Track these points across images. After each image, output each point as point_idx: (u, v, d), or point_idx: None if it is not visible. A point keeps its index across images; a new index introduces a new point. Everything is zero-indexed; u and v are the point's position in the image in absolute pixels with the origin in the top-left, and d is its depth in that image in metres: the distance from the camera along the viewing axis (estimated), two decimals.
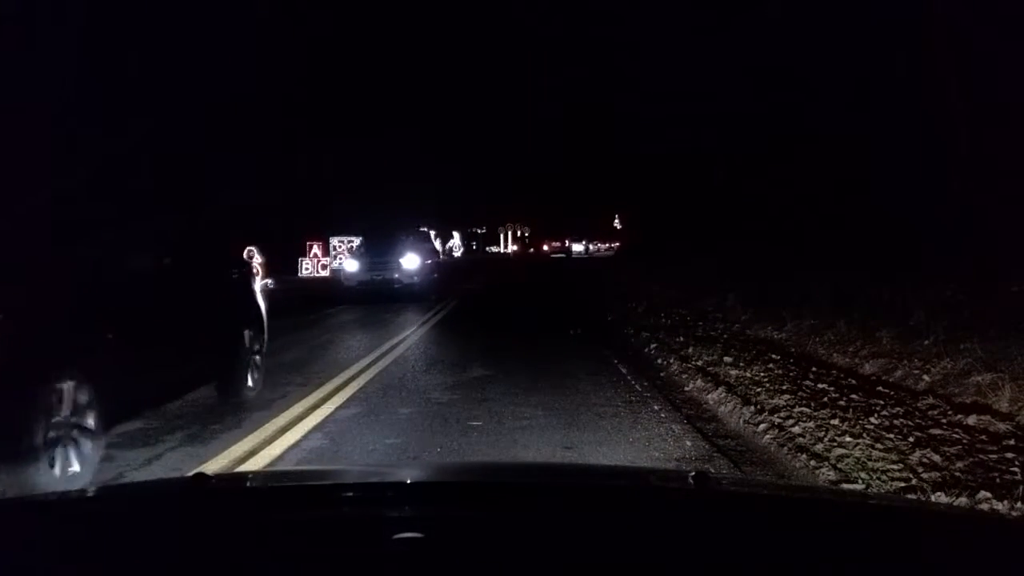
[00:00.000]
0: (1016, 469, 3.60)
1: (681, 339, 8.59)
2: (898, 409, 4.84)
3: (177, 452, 4.56)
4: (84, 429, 3.77)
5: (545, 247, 69.79)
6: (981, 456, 3.85)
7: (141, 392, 4.56)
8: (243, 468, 4.19)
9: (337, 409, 5.63)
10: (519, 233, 76.43)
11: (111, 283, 4.28)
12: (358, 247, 18.99)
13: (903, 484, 3.61)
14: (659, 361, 7.68)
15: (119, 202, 4.94)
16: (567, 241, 73.35)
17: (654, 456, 4.33)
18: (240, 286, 6.29)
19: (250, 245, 21.01)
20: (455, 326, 11.77)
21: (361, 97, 34.30)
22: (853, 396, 5.26)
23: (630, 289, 17.19)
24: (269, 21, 24.29)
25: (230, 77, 21.37)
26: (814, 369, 6.31)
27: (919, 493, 3.45)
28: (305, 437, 4.85)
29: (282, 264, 24.33)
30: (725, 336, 8.61)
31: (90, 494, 1.97)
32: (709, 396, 5.89)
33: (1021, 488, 3.33)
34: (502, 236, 75.95)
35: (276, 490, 1.51)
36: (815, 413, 4.92)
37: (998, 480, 3.50)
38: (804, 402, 5.25)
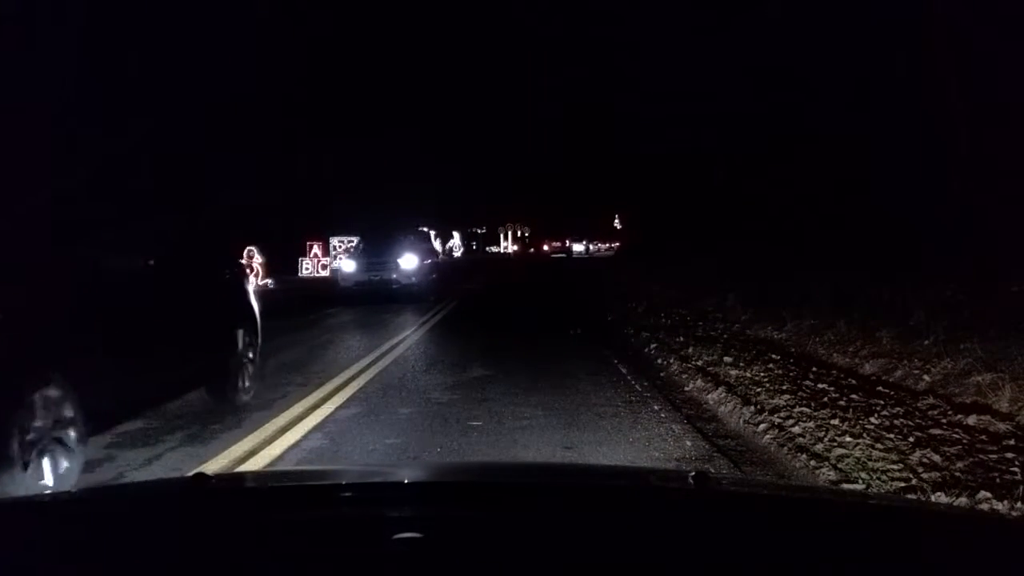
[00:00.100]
0: (1016, 469, 3.60)
1: (681, 339, 8.59)
2: (898, 409, 4.84)
3: (177, 452, 4.56)
4: (65, 436, 3.62)
5: (545, 247, 69.80)
6: (981, 456, 3.85)
7: (126, 397, 4.39)
8: (243, 468, 4.19)
9: (337, 409, 5.63)
10: (519, 233, 76.45)
11: (94, 284, 4.14)
12: (355, 247, 18.82)
13: (903, 484, 3.61)
14: (659, 361, 7.68)
15: (103, 202, 4.64)
16: (567, 241, 73.34)
17: (654, 456, 4.33)
18: (233, 286, 6.16)
19: (250, 245, 21.05)
20: (455, 326, 11.77)
21: (361, 97, 34.35)
22: (853, 396, 5.26)
23: (630, 289, 17.19)
24: (269, 21, 24.30)
25: (230, 77, 21.38)
26: (814, 369, 6.31)
27: (919, 493, 3.45)
28: (305, 437, 4.85)
29: (282, 264, 24.34)
30: (725, 336, 8.61)
31: (90, 494, 1.97)
32: (709, 396, 5.89)
33: (1021, 488, 3.32)
34: (502, 236, 75.94)
35: (276, 490, 1.51)
36: (815, 413, 4.92)
37: (998, 480, 3.50)
38: (804, 402, 5.24)
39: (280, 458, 4.39)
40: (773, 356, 7.00)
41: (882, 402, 5.04)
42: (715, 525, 1.16)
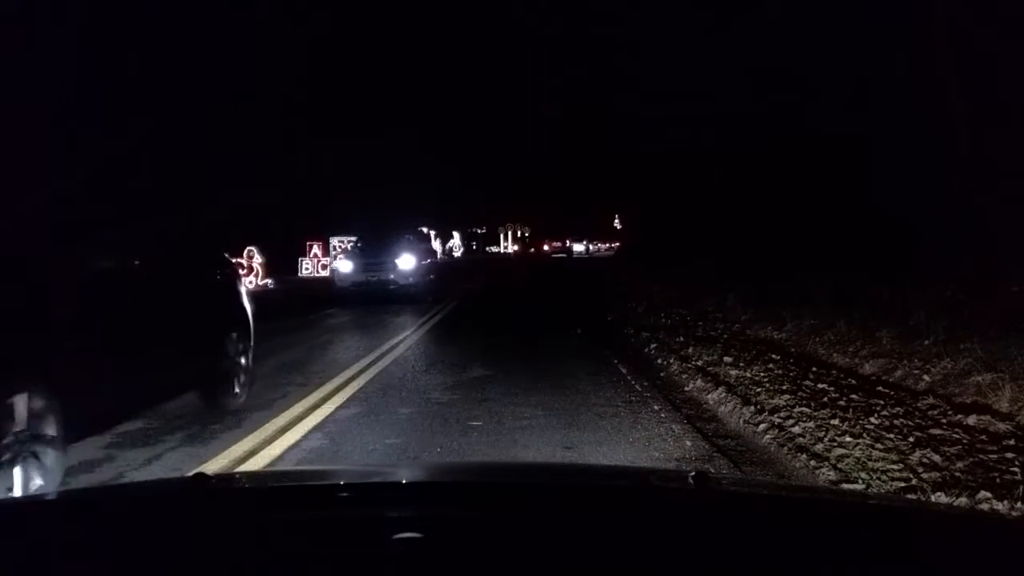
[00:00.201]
0: (1016, 469, 3.60)
1: (681, 339, 8.59)
2: (898, 409, 4.84)
3: (177, 452, 4.56)
4: (42, 445, 3.46)
5: (546, 247, 69.84)
6: (981, 456, 3.85)
7: (110, 404, 4.20)
8: (243, 468, 4.19)
9: (337, 409, 5.63)
10: (519, 233, 76.48)
11: (74, 285, 3.95)
12: (352, 247, 18.62)
13: (903, 484, 3.61)
14: (659, 361, 7.68)
15: (100, 201, 4.45)
16: (568, 241, 73.38)
17: (654, 456, 4.33)
18: (224, 288, 5.96)
19: (250, 245, 21.06)
20: (455, 326, 11.77)
21: (361, 97, 34.35)
22: (853, 396, 5.26)
23: (630, 289, 17.19)
24: (269, 21, 24.31)
25: (230, 77, 21.37)
26: (814, 369, 6.31)
27: (919, 493, 3.45)
28: (305, 437, 4.85)
29: (282, 264, 24.34)
30: (725, 336, 8.61)
31: (90, 494, 1.97)
32: (709, 396, 5.89)
33: (1021, 488, 3.32)
34: (502, 236, 75.97)
35: (276, 490, 1.51)
36: (815, 413, 4.92)
37: (998, 480, 3.50)
38: (804, 402, 5.25)
39: (280, 458, 4.39)
40: (773, 356, 7.00)
41: (882, 402, 5.04)
42: (715, 525, 1.16)
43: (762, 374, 6.30)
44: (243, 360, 5.87)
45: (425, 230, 22.81)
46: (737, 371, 6.48)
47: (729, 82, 17.96)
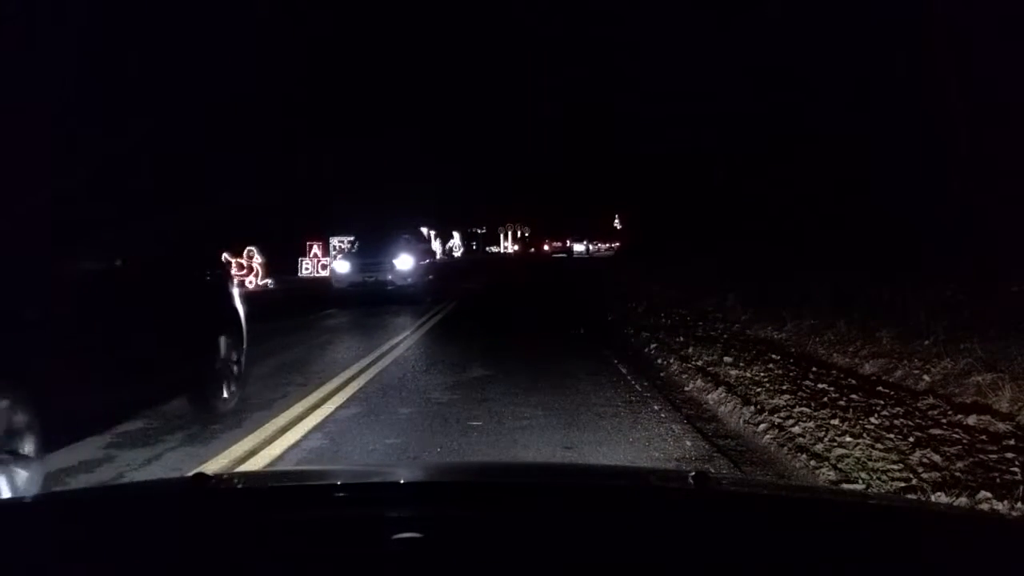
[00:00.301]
0: (1016, 469, 3.60)
1: (681, 339, 8.59)
2: (898, 409, 4.84)
3: (177, 452, 4.56)
4: (18, 454, 3.36)
5: (546, 247, 69.87)
6: (981, 456, 3.85)
7: (91, 411, 4.08)
8: (243, 468, 4.19)
9: (337, 409, 5.63)
10: (519, 233, 76.49)
11: (53, 288, 3.81)
12: (350, 247, 18.43)
13: (903, 484, 3.61)
14: (659, 361, 7.68)
15: (64, 198, 4.18)
16: (568, 241, 73.38)
17: (654, 456, 4.33)
18: (215, 289, 5.81)
19: (250, 245, 21.06)
20: (455, 326, 11.77)
21: (361, 97, 34.33)
22: (853, 396, 5.26)
23: (630, 289, 17.19)
24: (269, 21, 24.31)
25: (230, 77, 21.37)
26: (814, 369, 6.31)
27: (919, 493, 3.45)
28: (305, 437, 4.85)
29: (282, 264, 24.34)
30: (725, 336, 8.61)
31: (90, 494, 1.97)
32: (709, 396, 5.89)
33: (1021, 488, 3.33)
34: (502, 236, 75.96)
35: (276, 490, 1.51)
36: (815, 413, 4.92)
37: (998, 480, 3.50)
38: (804, 402, 5.25)
39: (280, 458, 4.39)
40: (773, 356, 7.00)
41: (882, 402, 5.04)
42: (715, 525, 1.16)
43: (762, 374, 6.30)
44: (235, 362, 5.73)
45: (424, 230, 22.77)
46: (737, 371, 6.48)
47: (729, 82, 17.97)
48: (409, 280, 15.69)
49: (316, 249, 27.32)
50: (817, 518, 1.25)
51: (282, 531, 1.14)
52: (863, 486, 3.64)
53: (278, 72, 25.67)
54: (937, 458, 3.88)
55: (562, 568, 1.03)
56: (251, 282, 20.90)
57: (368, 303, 14.56)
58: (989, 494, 3.32)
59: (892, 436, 4.30)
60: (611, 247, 69.12)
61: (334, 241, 27.26)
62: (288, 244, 26.09)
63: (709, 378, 6.38)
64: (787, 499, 1.52)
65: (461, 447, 4.56)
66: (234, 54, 21.23)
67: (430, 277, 17.12)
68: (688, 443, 4.59)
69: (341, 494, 1.40)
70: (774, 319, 8.67)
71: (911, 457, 3.94)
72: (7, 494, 3.27)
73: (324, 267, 26.36)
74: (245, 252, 21.09)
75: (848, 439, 4.32)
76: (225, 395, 5.51)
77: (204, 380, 5.27)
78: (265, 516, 1.24)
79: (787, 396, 5.46)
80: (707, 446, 4.55)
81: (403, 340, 9.51)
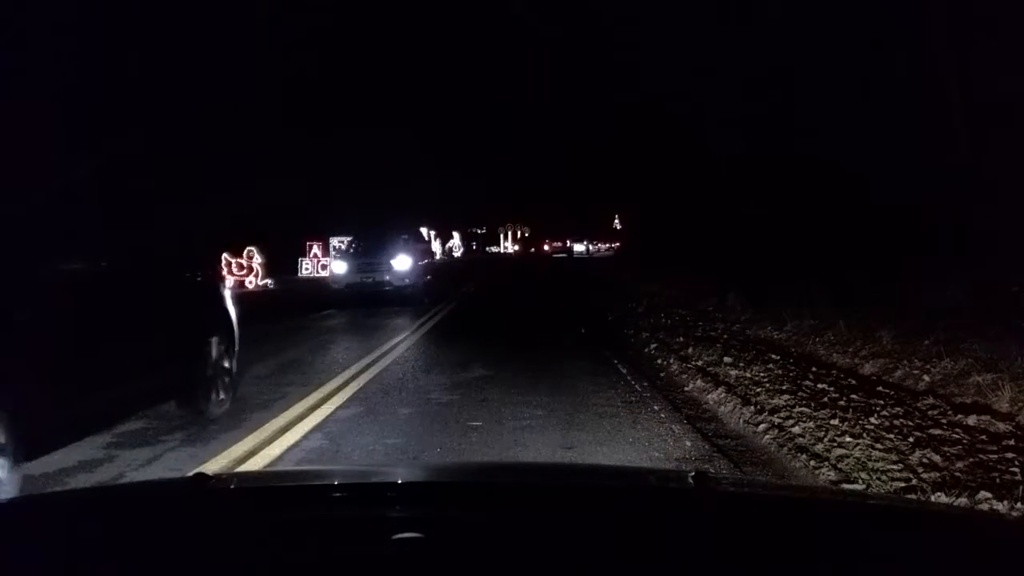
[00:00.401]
0: (1016, 469, 3.61)
1: (681, 339, 8.59)
2: (898, 409, 4.84)
3: (177, 452, 4.56)
4: None
5: (546, 247, 69.82)
6: (981, 456, 3.85)
7: (72, 418, 3.94)
8: (243, 468, 4.19)
9: (337, 409, 5.63)
10: (519, 233, 76.49)
11: (30, 290, 3.68)
12: (347, 247, 18.25)
13: (903, 484, 3.61)
14: (659, 361, 7.68)
15: (45, 201, 4.04)
16: (568, 241, 73.36)
17: (654, 456, 4.33)
18: (206, 290, 5.72)
19: (250, 245, 21.07)
20: (455, 326, 11.78)
21: (361, 97, 34.35)
22: (853, 396, 5.26)
23: (630, 289, 17.19)
24: (270, 21, 24.31)
25: (230, 77, 21.37)
26: (814, 369, 6.31)
27: (919, 493, 3.45)
28: (305, 437, 4.84)
29: (282, 264, 24.36)
30: (725, 336, 8.61)
31: (90, 494, 1.97)
32: (709, 396, 5.89)
33: (1021, 488, 3.33)
34: (502, 236, 75.99)
35: (276, 490, 1.51)
36: (815, 413, 4.92)
37: (998, 480, 3.50)
38: (804, 402, 5.24)
39: (280, 458, 4.39)
40: (773, 356, 7.00)
41: (882, 402, 5.04)
42: (715, 525, 1.16)
43: (762, 374, 6.30)
44: (227, 365, 5.63)
45: (424, 230, 22.74)
46: (737, 371, 6.48)
47: (729, 82, 17.96)
48: (407, 281, 15.54)
49: (316, 249, 27.33)
50: (817, 518, 1.25)
51: (282, 531, 1.14)
52: (863, 486, 3.64)
53: (279, 73, 25.68)
54: (937, 458, 3.88)
55: (562, 568, 1.03)
56: (251, 282, 20.92)
57: (368, 304, 14.54)
58: (989, 494, 3.32)
59: (892, 436, 4.30)
60: (611, 247, 69.06)
61: (334, 241, 27.25)
62: (288, 244, 26.10)
63: (709, 378, 6.38)
64: (787, 499, 1.52)
65: (461, 447, 4.56)
66: (234, 54, 21.24)
67: (429, 278, 17.01)
68: (688, 443, 4.59)
69: (341, 494, 1.40)
70: (774, 319, 8.67)
71: (911, 457, 3.94)
72: None
73: (324, 267, 26.36)
74: (245, 252, 21.11)
75: (848, 439, 4.32)
76: (219, 396, 5.44)
77: (194, 383, 5.16)
78: (265, 516, 1.24)
79: (787, 396, 5.46)
80: (707, 446, 4.55)
81: (403, 340, 9.51)
